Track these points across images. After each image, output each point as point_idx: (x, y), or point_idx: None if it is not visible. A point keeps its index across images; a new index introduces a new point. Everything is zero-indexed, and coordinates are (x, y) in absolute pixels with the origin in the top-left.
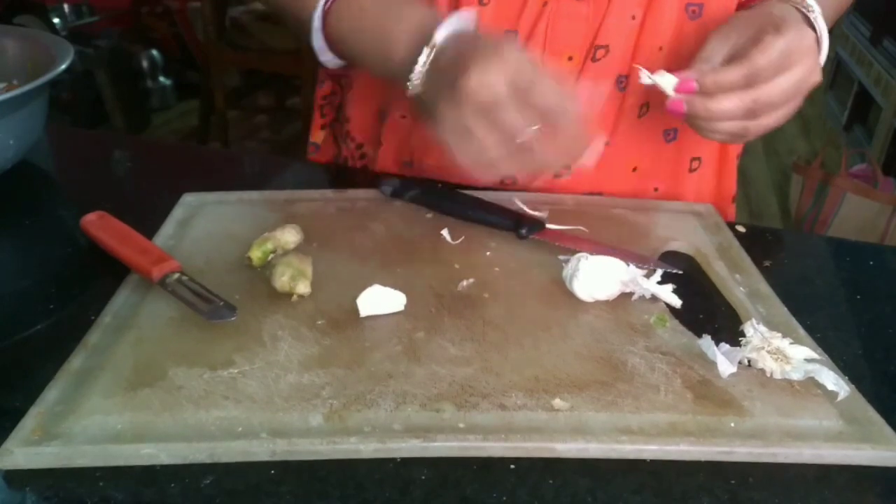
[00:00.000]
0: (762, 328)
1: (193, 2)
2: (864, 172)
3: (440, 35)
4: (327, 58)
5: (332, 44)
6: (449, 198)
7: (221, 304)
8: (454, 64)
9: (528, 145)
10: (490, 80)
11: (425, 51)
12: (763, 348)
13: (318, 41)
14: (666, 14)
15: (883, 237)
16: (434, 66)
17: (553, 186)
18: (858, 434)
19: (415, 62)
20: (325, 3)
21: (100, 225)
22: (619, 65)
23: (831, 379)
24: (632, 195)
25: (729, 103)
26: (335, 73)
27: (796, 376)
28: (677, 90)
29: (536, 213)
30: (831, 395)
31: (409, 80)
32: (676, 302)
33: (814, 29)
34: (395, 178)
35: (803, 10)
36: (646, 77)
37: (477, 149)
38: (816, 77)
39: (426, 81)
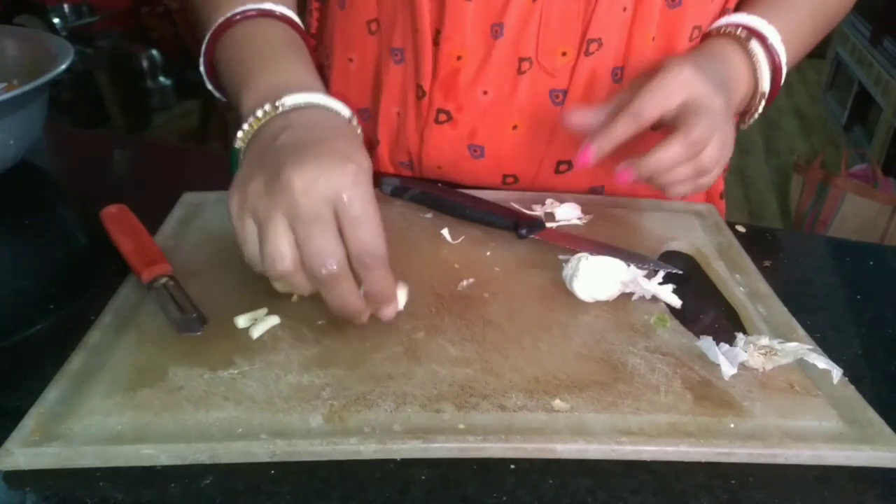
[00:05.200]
0: (749, 336)
1: None
2: (864, 172)
3: (292, 99)
4: (207, 82)
5: (212, 70)
6: (449, 197)
7: (194, 315)
8: (291, 144)
9: (325, 279)
10: (319, 187)
11: (266, 107)
12: (751, 344)
13: (201, 64)
14: (654, 3)
15: (883, 237)
16: (270, 126)
17: (556, 182)
18: (858, 435)
19: (253, 114)
20: (219, 25)
21: (116, 218)
22: (613, 57)
23: (822, 361)
24: (630, 190)
25: (664, 153)
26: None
27: (786, 361)
28: (578, 162)
29: (535, 213)
30: (830, 393)
31: (240, 129)
32: (677, 302)
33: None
34: (395, 178)
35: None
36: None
37: (265, 254)
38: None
39: (253, 138)
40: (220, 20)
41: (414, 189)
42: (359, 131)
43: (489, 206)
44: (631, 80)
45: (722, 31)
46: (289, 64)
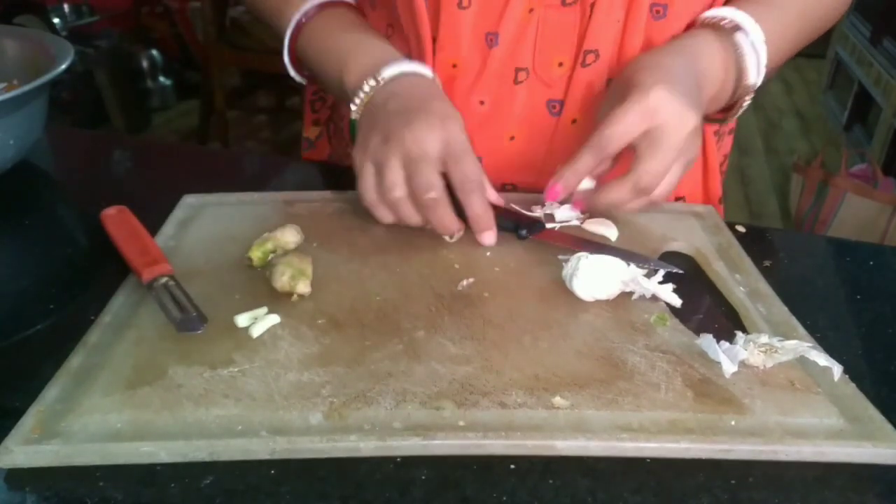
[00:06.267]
0: (748, 335)
1: (193, 2)
2: (864, 172)
3: (388, 71)
4: (290, 70)
5: (297, 60)
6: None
7: (194, 314)
8: (399, 110)
9: (428, 203)
10: (427, 138)
11: (370, 82)
12: (751, 342)
13: (285, 55)
14: (642, 15)
15: (883, 237)
16: (377, 97)
17: None
18: (859, 432)
19: (361, 90)
20: (298, 20)
21: (116, 220)
22: (608, 68)
23: (822, 358)
24: None
25: (615, 193)
26: None
27: (786, 358)
28: (547, 198)
29: (534, 214)
30: (831, 391)
31: (352, 103)
32: (677, 301)
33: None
34: None
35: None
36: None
37: (383, 186)
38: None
39: (365, 109)
40: (299, 15)
41: None
42: (440, 86)
43: (492, 207)
44: (607, 92)
45: (706, 22)
46: (371, 43)
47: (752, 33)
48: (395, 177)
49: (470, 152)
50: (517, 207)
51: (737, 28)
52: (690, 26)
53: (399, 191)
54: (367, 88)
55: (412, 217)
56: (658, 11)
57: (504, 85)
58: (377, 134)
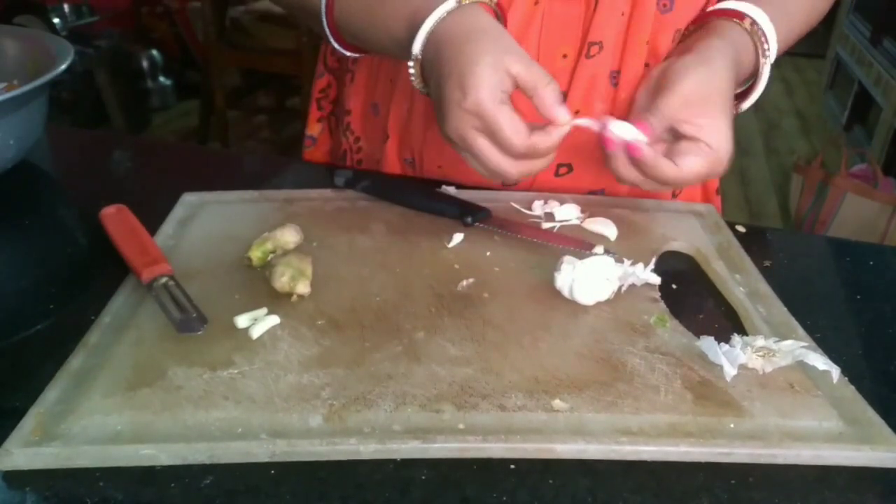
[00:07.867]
0: (745, 338)
1: (193, 2)
2: (864, 172)
3: (416, 46)
4: (339, 48)
5: (338, 30)
6: (399, 188)
7: (194, 315)
8: (437, 86)
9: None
10: (461, 133)
11: (410, 64)
12: (748, 346)
13: (326, 31)
14: (649, 8)
15: (883, 237)
16: (426, 72)
17: (555, 186)
18: (858, 435)
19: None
20: None
21: (115, 219)
22: (611, 60)
23: (820, 361)
24: (628, 191)
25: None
26: (334, 67)
27: (785, 363)
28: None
29: (535, 212)
30: (830, 393)
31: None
32: (656, 279)
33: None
34: (349, 170)
35: (759, 46)
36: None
37: (480, 168)
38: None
39: (426, 84)
40: None
41: (365, 180)
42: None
43: (437, 195)
44: (647, 79)
45: (727, 12)
46: None
47: (762, 26)
48: (498, 160)
49: (496, 120)
50: (461, 197)
51: (753, 23)
52: (697, 21)
53: (507, 166)
54: (412, 71)
55: (525, 175)
56: (665, 5)
57: None
58: (439, 118)
